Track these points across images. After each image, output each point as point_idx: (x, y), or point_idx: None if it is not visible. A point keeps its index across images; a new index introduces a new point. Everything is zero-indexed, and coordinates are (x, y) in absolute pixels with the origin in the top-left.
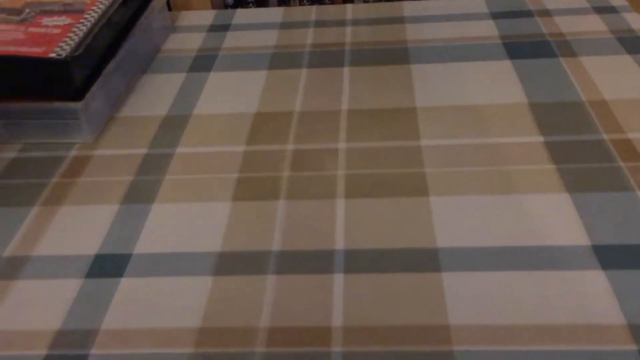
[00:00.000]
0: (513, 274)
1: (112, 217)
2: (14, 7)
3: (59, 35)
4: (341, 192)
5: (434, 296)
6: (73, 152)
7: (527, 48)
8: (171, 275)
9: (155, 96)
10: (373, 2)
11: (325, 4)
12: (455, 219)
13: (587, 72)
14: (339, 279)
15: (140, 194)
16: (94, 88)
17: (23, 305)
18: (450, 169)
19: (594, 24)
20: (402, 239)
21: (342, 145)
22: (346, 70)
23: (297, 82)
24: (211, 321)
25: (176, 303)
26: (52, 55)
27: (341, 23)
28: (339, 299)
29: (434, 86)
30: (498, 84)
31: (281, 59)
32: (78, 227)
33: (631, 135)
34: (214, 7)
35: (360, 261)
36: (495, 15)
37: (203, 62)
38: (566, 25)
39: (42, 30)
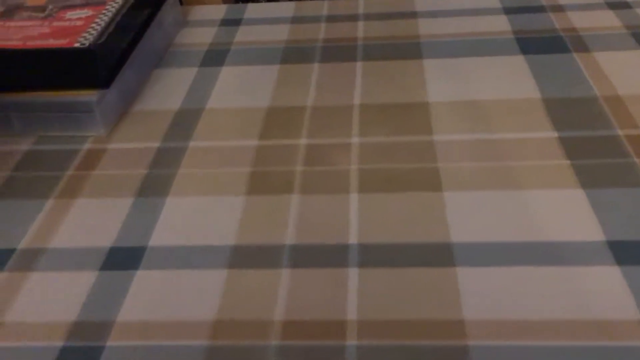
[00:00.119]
0: (527, 269)
1: (126, 210)
2: (38, 4)
3: (82, 26)
4: (354, 186)
5: (448, 291)
6: (87, 145)
7: (540, 43)
8: (186, 268)
9: (167, 90)
10: None
11: None
12: (469, 214)
13: (600, 68)
14: (353, 273)
15: (154, 187)
16: (120, 75)
17: (39, 297)
18: (464, 164)
19: (608, 19)
20: (416, 233)
21: (355, 140)
22: (358, 65)
23: (310, 76)
24: (226, 314)
25: (191, 296)
26: (76, 45)
27: (353, 18)
28: (353, 293)
29: (446, 81)
30: (511, 80)
31: (293, 54)
32: (93, 219)
33: None
34: (225, 1)
35: (374, 256)
36: (508, 11)
37: (215, 57)
38: (579, 20)
39: (66, 23)
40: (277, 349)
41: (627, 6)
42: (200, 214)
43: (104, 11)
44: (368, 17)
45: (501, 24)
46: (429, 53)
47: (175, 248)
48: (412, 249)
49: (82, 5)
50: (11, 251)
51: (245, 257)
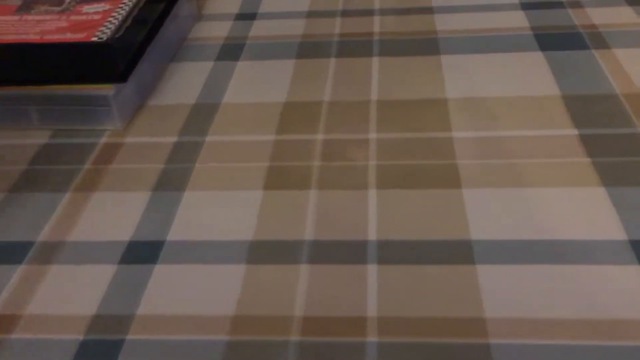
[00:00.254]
0: (548, 268)
1: (144, 204)
2: None
3: (99, 20)
4: (372, 182)
5: (469, 289)
6: (104, 139)
7: (558, 40)
8: (204, 263)
9: (183, 85)
10: None
11: None
12: (489, 211)
13: (620, 64)
14: (372, 270)
15: (171, 181)
16: (136, 69)
17: (59, 290)
18: (483, 161)
19: (627, 16)
20: (435, 230)
21: (372, 135)
22: (375, 60)
23: (326, 71)
24: (245, 309)
25: (210, 290)
26: (94, 38)
27: (369, 13)
28: (372, 290)
29: (464, 77)
30: (530, 76)
31: (309, 49)
32: (111, 213)
33: None
34: None
35: (393, 252)
36: (526, 6)
37: (230, 51)
38: (598, 16)
39: (83, 17)
40: (297, 345)
41: None
42: (217, 209)
43: (121, 5)
44: (384, 12)
45: (519, 20)
46: (446, 49)
47: (193, 243)
48: (432, 245)
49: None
50: (30, 244)
51: (264, 252)
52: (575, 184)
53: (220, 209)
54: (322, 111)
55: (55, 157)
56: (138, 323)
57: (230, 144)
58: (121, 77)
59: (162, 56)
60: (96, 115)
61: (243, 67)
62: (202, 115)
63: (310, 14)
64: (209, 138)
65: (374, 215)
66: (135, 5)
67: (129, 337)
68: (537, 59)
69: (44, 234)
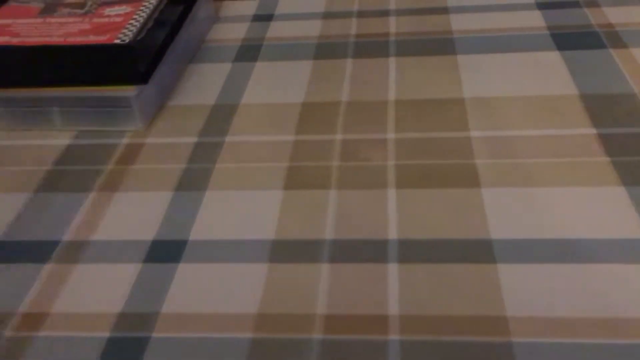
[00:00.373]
0: (570, 267)
1: (166, 204)
2: (77, 1)
3: (121, 23)
4: (392, 182)
5: (490, 287)
6: (125, 140)
7: (575, 39)
8: (227, 262)
9: (202, 86)
10: None
11: None
12: (508, 210)
13: (638, 64)
14: (393, 269)
15: (193, 181)
16: (159, 70)
17: (85, 288)
18: (502, 161)
19: None
20: (455, 229)
21: (390, 135)
22: (392, 60)
23: (343, 72)
24: (268, 307)
25: (233, 289)
26: (117, 41)
27: (384, 13)
28: (394, 288)
29: (481, 77)
30: (547, 76)
31: (326, 49)
32: (134, 213)
33: None
34: None
35: (414, 251)
36: (542, 6)
37: (248, 52)
38: (615, 15)
39: (105, 20)
40: (320, 343)
41: None
42: (239, 208)
43: (141, 7)
44: (399, 12)
45: (535, 20)
46: (462, 49)
47: (215, 242)
48: (452, 245)
49: (120, 2)
50: (56, 243)
51: (285, 251)
52: (594, 184)
53: (241, 209)
54: (340, 111)
55: (79, 158)
56: (163, 321)
57: (250, 144)
58: (143, 78)
59: (181, 58)
60: (118, 117)
61: (261, 68)
62: (221, 115)
63: (327, 15)
64: (228, 138)
65: (393, 214)
66: (155, 8)
67: (155, 334)
68: (554, 58)
69: (69, 233)
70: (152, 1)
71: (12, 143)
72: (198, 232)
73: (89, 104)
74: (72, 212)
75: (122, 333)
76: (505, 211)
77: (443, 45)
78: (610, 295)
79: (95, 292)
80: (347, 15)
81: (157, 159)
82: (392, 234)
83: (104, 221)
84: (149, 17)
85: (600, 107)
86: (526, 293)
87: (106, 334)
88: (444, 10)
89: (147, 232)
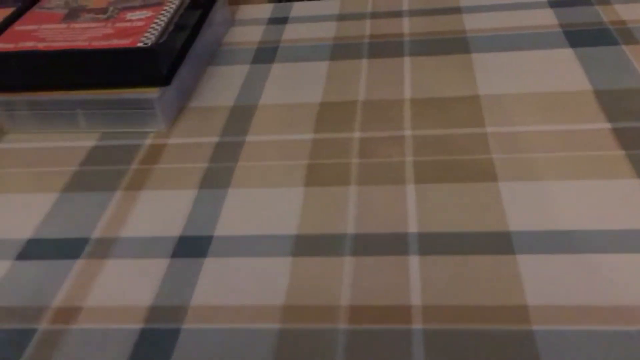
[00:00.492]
0: (588, 257)
1: (191, 201)
2: (99, 6)
3: (143, 27)
4: (410, 177)
5: (510, 277)
6: (149, 141)
7: (587, 36)
8: (252, 256)
9: (221, 87)
10: None
11: None
12: (526, 203)
13: None
14: (414, 261)
15: (216, 179)
16: (179, 72)
17: (115, 283)
18: (518, 155)
19: None
20: (474, 222)
21: (407, 132)
22: (407, 60)
23: (359, 72)
24: (294, 299)
25: (259, 282)
26: (139, 44)
27: (398, 14)
28: (416, 280)
29: (496, 75)
30: (561, 72)
31: (341, 50)
32: (160, 210)
33: None
34: (270, 0)
35: (434, 244)
36: (554, 4)
37: (265, 54)
38: (627, 12)
39: (127, 24)
40: (346, 332)
41: None
42: (261, 205)
43: (162, 12)
44: (412, 13)
45: (547, 18)
46: (476, 47)
47: (240, 237)
48: (471, 237)
49: (141, 7)
50: (85, 240)
51: (308, 245)
52: (609, 176)
53: (264, 205)
54: (357, 110)
55: (104, 159)
56: (193, 313)
57: (270, 143)
58: (165, 80)
59: (200, 61)
60: (141, 118)
61: (278, 70)
62: (241, 116)
63: (341, 17)
64: (249, 138)
65: (413, 208)
66: (175, 12)
67: (185, 326)
68: (567, 55)
69: (98, 231)
70: (172, 6)
71: (39, 145)
72: (223, 228)
73: (113, 106)
74: (100, 210)
75: (154, 325)
76: (523, 204)
77: (457, 45)
78: (626, 285)
79: (126, 286)
80: (361, 17)
81: (180, 158)
82: (413, 227)
83: (131, 218)
84: (170, 21)
85: (613, 102)
86: (545, 282)
87: (139, 326)
88: (457, 10)
89: (174, 228)
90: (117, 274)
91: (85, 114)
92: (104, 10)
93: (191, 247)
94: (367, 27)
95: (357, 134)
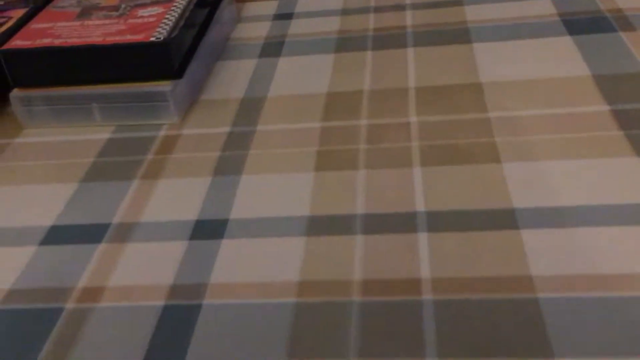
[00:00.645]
0: (588, 230)
1: (206, 188)
2: (111, 4)
3: (155, 22)
4: (417, 161)
5: (515, 250)
6: (162, 132)
7: (586, 24)
8: (267, 237)
9: (230, 81)
10: None
11: None
12: (529, 182)
13: None
14: (423, 237)
15: (229, 166)
16: (190, 66)
17: (137, 264)
18: (520, 138)
19: None
20: (479, 201)
21: (413, 119)
22: (410, 51)
23: (364, 63)
24: (309, 275)
25: (275, 260)
26: (152, 39)
27: (400, 8)
28: (424, 254)
29: (497, 63)
30: (560, 59)
31: (346, 43)
32: (177, 196)
33: None
34: None
35: (441, 221)
36: None
37: (272, 49)
38: (624, 1)
39: (140, 20)
40: (360, 304)
41: None
42: (274, 189)
43: (172, 8)
44: (415, 6)
45: (546, 8)
46: (477, 38)
47: (255, 219)
48: (477, 214)
49: (151, 4)
50: (107, 226)
51: (321, 225)
52: (609, 155)
53: (277, 189)
54: (363, 99)
55: (120, 150)
56: (212, 289)
57: (280, 131)
58: (177, 73)
59: (209, 56)
60: (155, 111)
61: (285, 63)
62: (250, 107)
63: (345, 12)
64: (259, 127)
65: (420, 189)
66: (185, 9)
67: (206, 301)
68: (566, 43)
69: (118, 217)
70: (181, 2)
71: (56, 139)
72: (238, 211)
73: (127, 100)
74: (119, 198)
75: (176, 301)
76: (526, 183)
77: (459, 35)
78: (624, 254)
79: (148, 267)
80: (364, 11)
81: (193, 148)
82: (420, 206)
83: (149, 205)
84: (180, 17)
85: (612, 85)
86: (548, 254)
87: (162, 302)
88: (459, 2)
89: (190, 213)
90: (139, 255)
91: (101, 108)
92: (115, 8)
93: (208, 229)
94: (370, 21)
95: (364, 122)
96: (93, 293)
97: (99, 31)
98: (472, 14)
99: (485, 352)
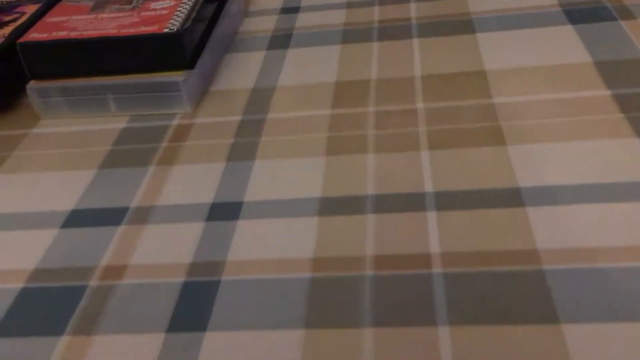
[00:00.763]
0: (591, 206)
1: (220, 172)
2: None
3: (167, 15)
4: (424, 144)
5: (521, 226)
6: (176, 121)
7: (586, 13)
8: (281, 217)
9: (240, 72)
10: None
11: None
12: (534, 163)
13: None
14: (432, 216)
15: (241, 153)
16: (202, 58)
17: (156, 244)
18: (525, 122)
19: None
20: (485, 180)
21: (419, 105)
22: (415, 41)
23: (370, 54)
24: (322, 252)
25: (289, 238)
26: (166, 30)
27: (404, 0)
28: (434, 231)
29: (501, 51)
30: (562, 47)
31: (352, 35)
32: (192, 181)
33: None
34: None
35: (450, 200)
36: None
37: (280, 41)
38: None
39: (152, 13)
40: (373, 278)
41: None
42: (286, 173)
43: (184, 1)
44: None
45: None
46: (481, 28)
47: (268, 201)
48: (484, 193)
49: None
50: (125, 209)
51: (333, 206)
52: (610, 136)
53: (289, 173)
54: (370, 88)
55: (135, 138)
56: (230, 266)
57: (290, 119)
58: (190, 64)
59: (218, 49)
60: (168, 101)
61: (293, 54)
62: (261, 97)
63: (350, 5)
64: (270, 115)
65: (428, 171)
66: (195, 2)
67: (224, 277)
68: (567, 32)
69: (136, 200)
70: None
71: (73, 129)
72: (252, 194)
73: (141, 90)
74: (136, 183)
75: (196, 278)
76: (531, 162)
77: (462, 26)
78: (629, 227)
79: (167, 246)
80: (369, 4)
81: (207, 135)
82: (429, 187)
83: (165, 189)
84: (191, 10)
85: (613, 71)
86: (553, 229)
87: (182, 279)
88: None
89: (206, 196)
90: (158, 236)
91: (115, 98)
92: (128, 1)
93: (224, 211)
94: (375, 13)
95: (371, 109)
96: (115, 271)
97: (114, 23)
98: (475, 5)
99: (494, 319)
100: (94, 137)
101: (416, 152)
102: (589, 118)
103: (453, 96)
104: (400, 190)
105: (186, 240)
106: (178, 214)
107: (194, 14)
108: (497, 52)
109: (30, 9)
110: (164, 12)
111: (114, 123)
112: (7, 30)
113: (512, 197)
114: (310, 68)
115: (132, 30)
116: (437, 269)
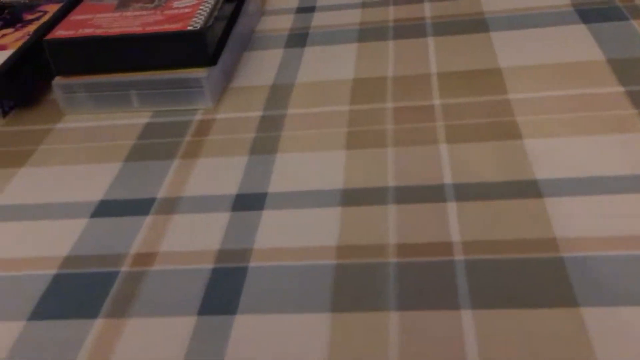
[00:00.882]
0: (607, 197)
1: (244, 165)
2: None
3: (190, 13)
4: (442, 139)
5: (539, 216)
6: (198, 117)
7: (599, 13)
8: (305, 208)
9: (259, 69)
10: None
11: None
12: (550, 157)
13: None
14: (452, 207)
15: (264, 146)
16: (223, 55)
17: (185, 233)
18: (540, 117)
19: None
20: (503, 173)
21: (436, 101)
22: (430, 40)
23: (386, 52)
24: (347, 240)
25: (314, 228)
26: (190, 28)
27: (418, 0)
28: (454, 220)
29: (515, 50)
30: (575, 45)
31: (368, 34)
32: (217, 173)
33: None
34: None
35: (469, 192)
36: None
37: (297, 39)
38: None
39: (175, 11)
40: (396, 265)
41: None
42: (308, 166)
43: (206, 0)
44: None
45: None
46: (495, 26)
47: (292, 193)
48: (502, 185)
49: None
50: (152, 200)
51: (355, 197)
52: (623, 131)
53: (311, 166)
54: (387, 84)
55: (159, 133)
56: (257, 254)
57: (310, 114)
58: (212, 60)
59: (238, 46)
60: (190, 96)
61: (310, 52)
62: (280, 93)
63: (365, 5)
64: (290, 111)
65: (446, 164)
66: (216, 1)
67: (252, 264)
68: (580, 30)
69: (162, 192)
70: None
71: (97, 124)
72: (276, 185)
73: (164, 86)
74: (162, 175)
75: (224, 264)
76: (547, 157)
77: (476, 25)
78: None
79: (195, 235)
80: (384, 4)
81: (229, 130)
82: (447, 179)
83: (191, 181)
84: (213, 9)
85: (625, 69)
86: (571, 218)
87: (210, 266)
88: None
89: (231, 187)
90: (185, 225)
91: (138, 94)
92: (151, 0)
93: (249, 201)
94: (390, 13)
95: (389, 105)
96: (146, 258)
97: (138, 21)
98: (489, 5)
99: (515, 304)
100: (118, 132)
101: (434, 146)
102: (603, 113)
103: (469, 92)
104: (420, 182)
105: (213, 229)
106: (204, 204)
107: (215, 13)
108: (511, 50)
109: (52, 8)
110: (187, 10)
111: (137, 118)
112: (31, 28)
113: (530, 189)
114: (328, 65)
115: (156, 28)
116: (458, 257)
